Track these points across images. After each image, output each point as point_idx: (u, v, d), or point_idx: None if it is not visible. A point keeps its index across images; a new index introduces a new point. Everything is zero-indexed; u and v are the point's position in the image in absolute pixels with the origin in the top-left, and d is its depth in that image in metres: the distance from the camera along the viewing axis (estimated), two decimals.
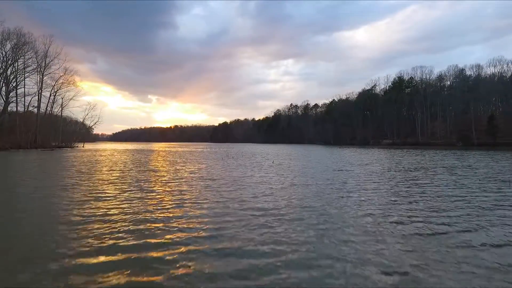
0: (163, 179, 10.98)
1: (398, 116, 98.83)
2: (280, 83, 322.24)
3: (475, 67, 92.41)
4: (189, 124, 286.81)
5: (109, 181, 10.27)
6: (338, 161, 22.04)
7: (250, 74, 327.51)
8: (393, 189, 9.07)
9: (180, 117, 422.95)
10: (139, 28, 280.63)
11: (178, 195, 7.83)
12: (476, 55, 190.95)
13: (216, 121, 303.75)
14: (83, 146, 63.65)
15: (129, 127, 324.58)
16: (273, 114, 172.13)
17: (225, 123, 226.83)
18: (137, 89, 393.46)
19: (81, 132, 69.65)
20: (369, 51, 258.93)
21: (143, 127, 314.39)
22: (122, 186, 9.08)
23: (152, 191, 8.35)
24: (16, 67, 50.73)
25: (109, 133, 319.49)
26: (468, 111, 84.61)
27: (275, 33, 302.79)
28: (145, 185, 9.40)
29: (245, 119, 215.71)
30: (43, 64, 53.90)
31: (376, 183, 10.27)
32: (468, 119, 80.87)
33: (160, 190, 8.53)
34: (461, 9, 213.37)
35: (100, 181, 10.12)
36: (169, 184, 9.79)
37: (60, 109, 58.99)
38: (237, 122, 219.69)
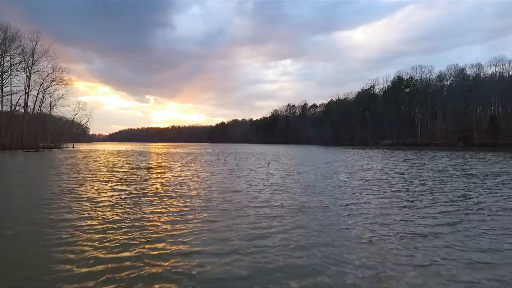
0: (117, 198, 8.07)
1: (397, 116, 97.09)
2: (278, 83, 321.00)
3: (476, 67, 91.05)
4: (187, 124, 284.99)
5: (38, 201, 7.66)
6: (348, 165, 19.30)
7: (248, 74, 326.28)
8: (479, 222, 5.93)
9: (177, 117, 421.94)
10: (136, 27, 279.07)
11: (111, 240, 4.67)
12: (474, 56, 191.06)
13: (214, 121, 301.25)
14: (73, 147, 61.42)
15: (127, 128, 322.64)
16: (270, 114, 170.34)
17: (222, 123, 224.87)
18: (134, 89, 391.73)
19: (72, 132, 67.50)
20: (367, 51, 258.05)
21: (140, 128, 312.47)
22: (40, 217, 6.23)
23: (81, 230, 5.20)
24: (1, 64, 48.53)
25: (106, 133, 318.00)
26: (469, 111, 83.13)
27: (273, 33, 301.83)
28: (78, 211, 6.55)
29: (243, 119, 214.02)
30: (31, 62, 51.68)
31: (432, 208, 6.93)
32: (469, 119, 79.31)
33: (96, 226, 5.47)
34: (459, 9, 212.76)
35: (25, 203, 7.65)
36: (119, 208, 6.84)
37: (49, 108, 56.83)
38: (234, 122, 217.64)
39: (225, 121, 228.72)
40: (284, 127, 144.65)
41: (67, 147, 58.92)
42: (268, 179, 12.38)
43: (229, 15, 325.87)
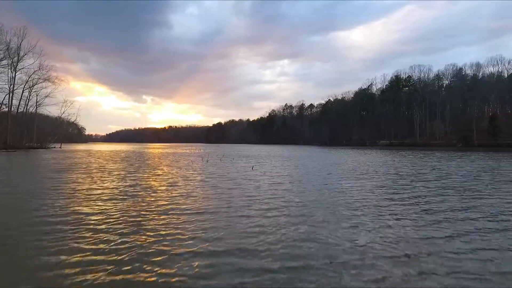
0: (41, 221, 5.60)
1: (395, 116, 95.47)
2: (276, 83, 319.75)
3: (475, 66, 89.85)
4: (184, 125, 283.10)
5: None
6: (353, 169, 16.39)
7: (245, 74, 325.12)
8: None
9: (175, 118, 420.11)
10: (133, 27, 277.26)
11: None
12: (472, 56, 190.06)
13: (211, 121, 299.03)
14: (60, 147, 59.41)
15: (124, 128, 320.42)
16: (267, 115, 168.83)
17: (219, 124, 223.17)
18: (131, 90, 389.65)
19: (61, 132, 65.51)
20: (365, 51, 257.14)
21: (137, 128, 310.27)
22: None
23: None
24: None
25: (103, 133, 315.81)
26: (467, 111, 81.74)
27: (271, 33, 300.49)
28: None
29: (240, 119, 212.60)
30: (16, 59, 49.56)
31: None
32: (468, 119, 77.90)
33: None
34: (457, 9, 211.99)
35: None
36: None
37: (35, 107, 54.78)
38: (231, 123, 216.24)
39: (223, 121, 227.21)
40: (281, 127, 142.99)
41: (54, 148, 56.89)
42: (253, 192, 9.15)
43: (226, 15, 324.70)
